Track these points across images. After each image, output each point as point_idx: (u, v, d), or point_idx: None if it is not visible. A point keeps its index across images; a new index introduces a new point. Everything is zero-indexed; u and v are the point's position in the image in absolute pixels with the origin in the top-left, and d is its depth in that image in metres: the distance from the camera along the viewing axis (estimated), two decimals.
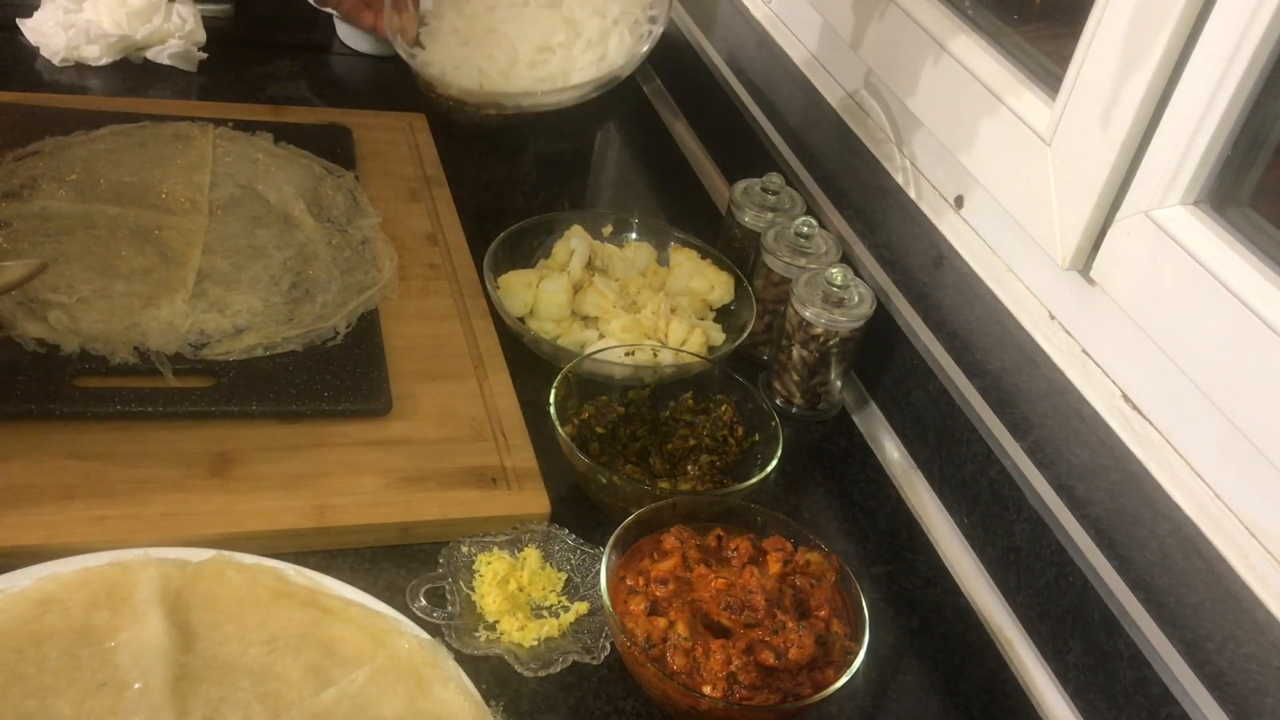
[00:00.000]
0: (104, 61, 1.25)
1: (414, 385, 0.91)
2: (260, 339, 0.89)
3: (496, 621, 0.75)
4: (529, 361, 0.98)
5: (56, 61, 1.23)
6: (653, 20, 1.07)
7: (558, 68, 1.03)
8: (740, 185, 1.13)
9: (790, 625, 0.71)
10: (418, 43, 1.09)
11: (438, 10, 1.09)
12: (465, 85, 1.02)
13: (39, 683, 0.64)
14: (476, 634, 0.74)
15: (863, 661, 0.70)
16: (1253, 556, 0.73)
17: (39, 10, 1.25)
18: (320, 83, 1.35)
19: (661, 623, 0.71)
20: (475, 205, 1.18)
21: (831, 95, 1.22)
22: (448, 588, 0.76)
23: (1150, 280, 0.79)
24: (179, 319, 0.88)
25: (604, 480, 0.82)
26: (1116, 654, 0.74)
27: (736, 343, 1.01)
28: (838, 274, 0.96)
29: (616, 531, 0.75)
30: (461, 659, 0.71)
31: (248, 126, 1.14)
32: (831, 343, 0.96)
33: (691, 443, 0.91)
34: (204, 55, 1.29)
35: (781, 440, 0.87)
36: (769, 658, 0.69)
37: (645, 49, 1.04)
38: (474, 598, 0.76)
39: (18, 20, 1.25)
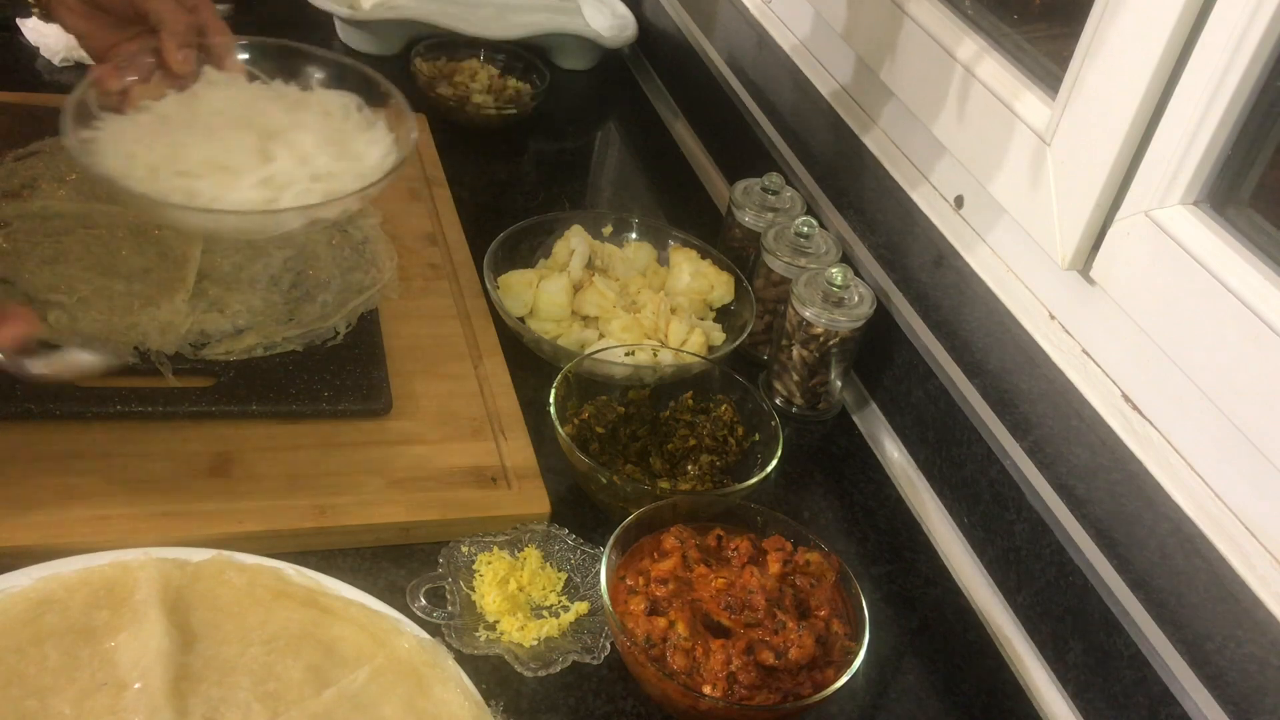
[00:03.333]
0: None
1: (414, 385, 0.91)
2: (260, 339, 0.89)
3: (496, 621, 0.75)
4: (529, 361, 0.98)
5: (56, 61, 1.23)
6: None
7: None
8: (740, 185, 1.13)
9: (790, 625, 0.71)
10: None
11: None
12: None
13: (39, 682, 0.64)
14: (476, 634, 0.74)
15: (863, 661, 0.70)
16: (1253, 556, 0.73)
17: None
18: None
19: (661, 622, 0.71)
20: (475, 205, 1.18)
21: (831, 95, 1.22)
22: (448, 588, 0.76)
23: (1150, 280, 0.79)
24: (179, 319, 0.88)
25: (604, 480, 0.82)
26: (1116, 654, 0.74)
27: (736, 343, 1.01)
28: (838, 274, 0.96)
29: (616, 531, 0.75)
30: (461, 659, 0.71)
31: None
32: (831, 343, 0.96)
33: (691, 443, 0.91)
34: None
35: (781, 440, 0.87)
36: (769, 657, 0.69)
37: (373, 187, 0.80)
38: (474, 598, 0.76)
39: (18, 20, 1.25)
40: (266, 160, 0.80)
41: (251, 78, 0.89)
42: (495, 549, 0.79)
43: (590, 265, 1.07)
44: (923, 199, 1.07)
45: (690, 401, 0.94)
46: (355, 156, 0.84)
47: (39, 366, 0.68)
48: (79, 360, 0.71)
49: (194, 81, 0.85)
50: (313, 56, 0.92)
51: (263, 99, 0.86)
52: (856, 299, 0.97)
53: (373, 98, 0.89)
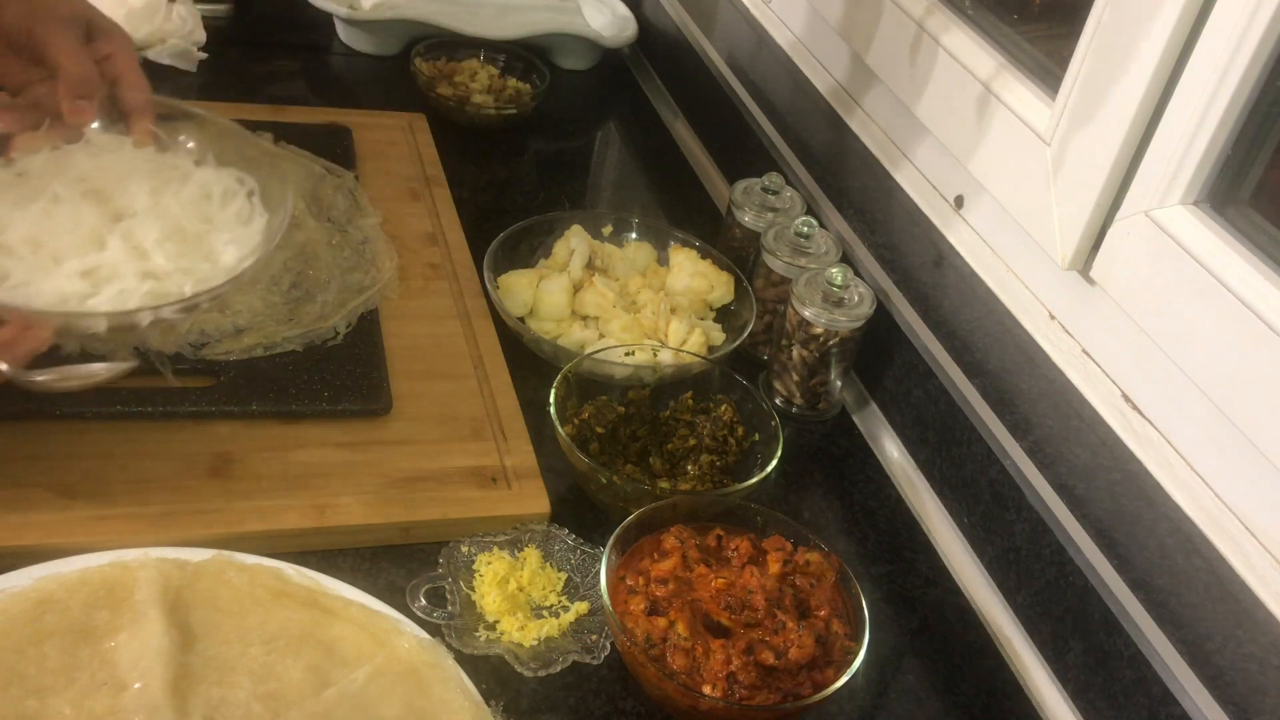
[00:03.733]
0: None
1: (414, 385, 0.91)
2: (260, 339, 0.89)
3: (496, 621, 0.75)
4: (529, 361, 0.98)
5: None
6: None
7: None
8: (740, 185, 1.13)
9: (790, 625, 0.71)
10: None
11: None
12: None
13: (39, 682, 0.64)
14: (476, 634, 0.74)
15: (863, 661, 0.70)
16: (1253, 556, 0.73)
17: None
18: (320, 83, 1.35)
19: (661, 622, 0.71)
20: (475, 205, 1.18)
21: (831, 94, 1.22)
22: (448, 588, 0.76)
23: (1150, 280, 0.79)
24: (179, 319, 0.88)
25: (604, 480, 0.82)
26: (1116, 654, 0.74)
27: (736, 343, 1.01)
28: (838, 274, 0.96)
29: (616, 531, 0.75)
30: (461, 659, 0.71)
31: (248, 126, 1.14)
32: (831, 343, 0.96)
33: (691, 443, 0.91)
34: (204, 55, 1.29)
35: (781, 440, 0.87)
36: (769, 657, 0.69)
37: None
38: (474, 598, 0.76)
39: None
40: (98, 247, 0.73)
41: (158, 143, 0.80)
42: (495, 549, 0.79)
43: (590, 265, 1.07)
44: (923, 199, 1.07)
45: (690, 401, 0.94)
46: (205, 255, 0.75)
47: (44, 377, 0.67)
48: (85, 371, 0.70)
49: (77, 139, 0.77)
50: (194, 121, 0.83)
51: (138, 171, 0.78)
52: (856, 299, 0.97)
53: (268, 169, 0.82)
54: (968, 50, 0.98)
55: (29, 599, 0.68)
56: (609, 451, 0.89)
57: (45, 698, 0.63)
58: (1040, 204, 0.88)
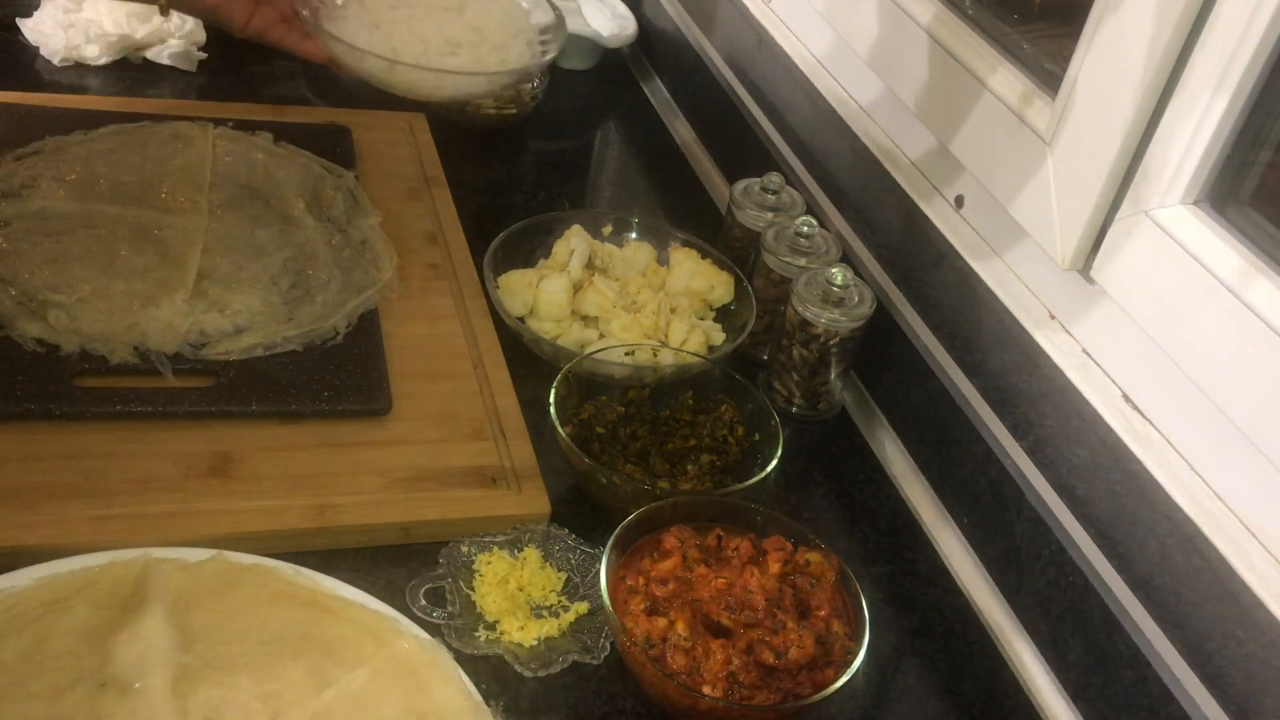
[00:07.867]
0: (104, 61, 1.25)
1: (414, 385, 0.91)
2: (260, 339, 0.89)
3: (496, 621, 0.75)
4: (529, 361, 0.98)
5: (56, 61, 1.23)
6: (546, 43, 1.07)
7: (467, 61, 1.02)
8: (740, 185, 1.13)
9: (790, 625, 0.71)
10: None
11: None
12: (372, 68, 0.98)
13: (40, 683, 0.64)
14: (476, 634, 0.74)
15: (863, 661, 0.70)
16: (1253, 556, 0.73)
17: (39, 10, 1.25)
18: (320, 83, 1.35)
19: (661, 623, 0.71)
20: (475, 205, 1.18)
21: (831, 94, 1.22)
22: (448, 588, 0.76)
23: (1150, 280, 0.79)
24: (178, 319, 0.88)
25: (604, 480, 0.82)
26: (1116, 654, 0.74)
27: (736, 343, 1.01)
28: (838, 274, 0.96)
29: (616, 531, 0.75)
30: (461, 659, 0.71)
31: (248, 126, 1.14)
32: (831, 342, 0.96)
33: (691, 443, 0.91)
34: (204, 55, 1.29)
35: (781, 440, 0.87)
36: (769, 657, 0.69)
37: (545, 61, 1.05)
38: (474, 598, 0.76)
39: (17, 20, 1.25)
40: (481, 32, 1.01)
41: None
42: (495, 549, 0.79)
43: (590, 265, 1.07)
44: (922, 199, 1.07)
45: (690, 401, 0.94)
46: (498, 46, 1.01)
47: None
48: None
49: None
50: None
51: None
52: (856, 299, 0.97)
53: None
54: (968, 50, 0.98)
55: (30, 600, 0.68)
56: (609, 451, 0.89)
57: (47, 699, 0.63)
58: (1040, 204, 0.88)
